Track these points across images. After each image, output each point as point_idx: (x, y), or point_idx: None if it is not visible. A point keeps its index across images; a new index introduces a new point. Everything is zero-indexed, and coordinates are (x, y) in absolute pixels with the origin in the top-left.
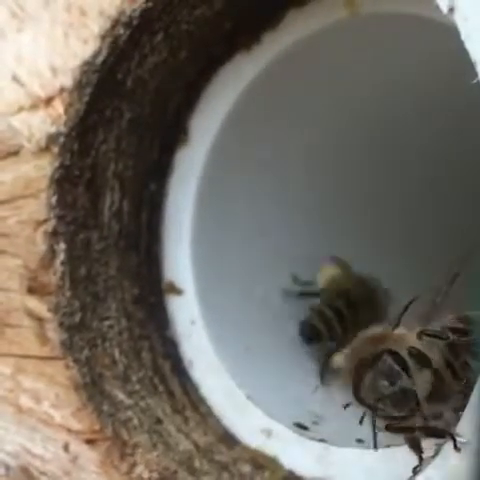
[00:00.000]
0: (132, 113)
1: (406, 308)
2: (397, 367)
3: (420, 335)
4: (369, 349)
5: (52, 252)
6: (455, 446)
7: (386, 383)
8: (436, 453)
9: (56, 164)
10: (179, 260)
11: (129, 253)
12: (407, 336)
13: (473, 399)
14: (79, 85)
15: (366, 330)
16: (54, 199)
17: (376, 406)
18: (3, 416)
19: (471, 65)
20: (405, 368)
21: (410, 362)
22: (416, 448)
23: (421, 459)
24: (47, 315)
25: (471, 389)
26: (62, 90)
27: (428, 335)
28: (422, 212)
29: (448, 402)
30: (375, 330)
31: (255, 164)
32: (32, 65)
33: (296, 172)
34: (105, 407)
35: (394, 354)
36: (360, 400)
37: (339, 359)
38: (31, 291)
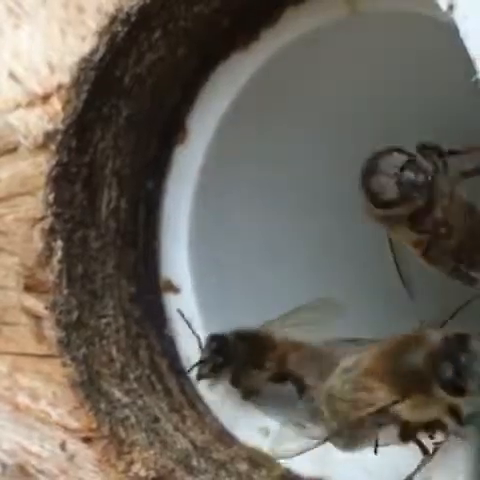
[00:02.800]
0: (130, 110)
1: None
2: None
3: None
4: None
5: (49, 250)
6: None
7: None
8: (434, 451)
9: (53, 161)
10: (177, 258)
11: (126, 251)
12: None
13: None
14: (76, 82)
15: None
16: (51, 197)
17: None
18: (0, 414)
19: (470, 63)
20: None
21: None
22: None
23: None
24: (44, 313)
25: None
26: (59, 87)
27: None
28: None
29: None
30: None
31: (253, 162)
32: (29, 62)
33: (295, 170)
34: (102, 405)
35: None
36: None
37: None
38: (28, 289)
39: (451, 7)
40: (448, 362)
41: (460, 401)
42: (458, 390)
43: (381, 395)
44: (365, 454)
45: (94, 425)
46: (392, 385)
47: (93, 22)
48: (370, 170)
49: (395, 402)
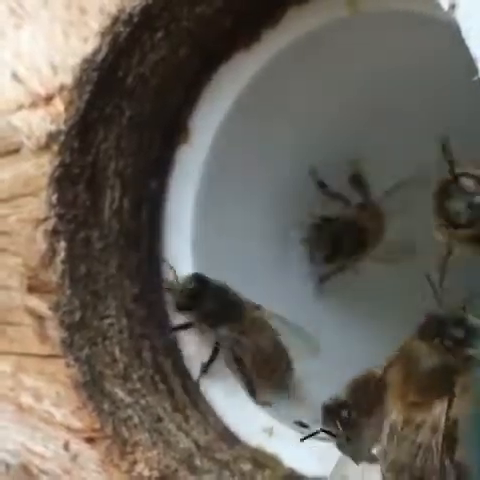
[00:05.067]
0: (132, 111)
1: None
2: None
3: None
4: None
5: (52, 250)
6: None
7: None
8: None
9: (56, 162)
10: (180, 258)
11: (129, 251)
12: None
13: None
14: (79, 83)
15: None
16: (54, 197)
17: None
18: (3, 414)
19: (472, 62)
20: None
21: None
22: None
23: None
24: (47, 313)
25: None
26: (62, 88)
27: None
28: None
29: None
30: None
31: (256, 162)
32: (32, 63)
33: (296, 170)
34: (105, 405)
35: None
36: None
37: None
38: (31, 289)
39: (453, 6)
40: None
41: None
42: None
43: (437, 412)
44: None
45: (97, 425)
46: (430, 396)
47: (95, 23)
48: (446, 193)
49: (450, 404)
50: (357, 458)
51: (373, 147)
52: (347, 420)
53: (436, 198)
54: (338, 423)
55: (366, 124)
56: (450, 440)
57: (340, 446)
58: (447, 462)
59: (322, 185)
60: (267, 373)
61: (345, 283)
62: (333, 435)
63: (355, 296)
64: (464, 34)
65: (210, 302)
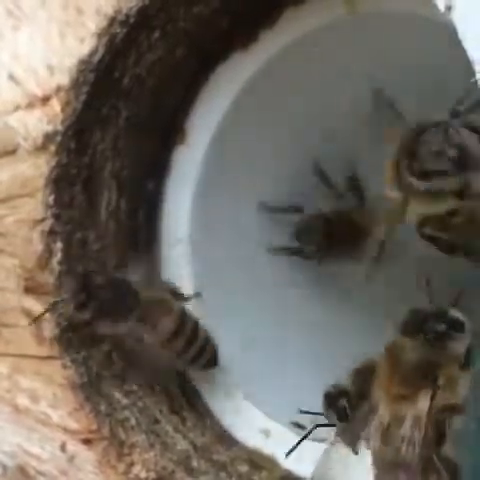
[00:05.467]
0: (129, 112)
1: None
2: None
3: None
4: None
5: (49, 251)
6: None
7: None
8: None
9: (53, 163)
10: (177, 259)
11: (126, 252)
12: None
13: None
14: (76, 84)
15: None
16: (51, 198)
17: None
18: (0, 416)
19: (469, 64)
20: None
21: None
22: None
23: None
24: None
25: None
26: (59, 89)
27: None
28: None
29: None
30: None
31: (253, 163)
32: (28, 64)
33: (295, 171)
34: (102, 407)
35: None
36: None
37: None
38: (28, 290)
39: (449, 8)
40: None
41: None
42: None
43: (420, 405)
44: (366, 456)
45: (94, 427)
46: (414, 389)
47: (92, 24)
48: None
49: (433, 397)
50: (355, 446)
51: (370, 148)
52: (344, 409)
53: (410, 135)
54: (335, 411)
55: (363, 124)
56: (436, 434)
57: (338, 434)
58: (433, 456)
59: (322, 176)
60: (182, 348)
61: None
62: (332, 425)
63: (352, 298)
64: (460, 36)
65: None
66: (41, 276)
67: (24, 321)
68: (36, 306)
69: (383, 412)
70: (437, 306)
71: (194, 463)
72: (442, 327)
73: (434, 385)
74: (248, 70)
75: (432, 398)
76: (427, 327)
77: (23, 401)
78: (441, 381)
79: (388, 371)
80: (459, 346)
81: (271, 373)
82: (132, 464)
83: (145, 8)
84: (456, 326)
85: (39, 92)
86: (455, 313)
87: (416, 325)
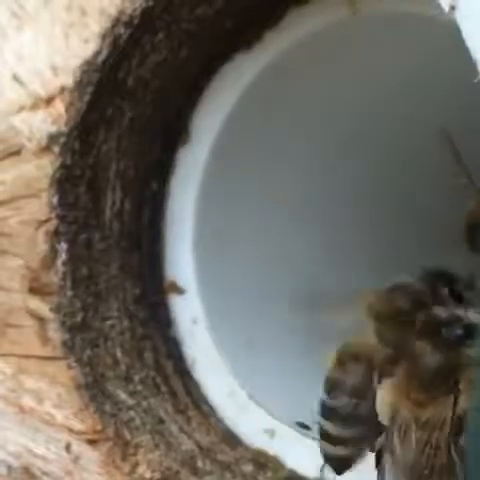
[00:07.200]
0: (133, 112)
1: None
2: None
3: None
4: None
5: (53, 252)
6: None
7: None
8: None
9: (57, 164)
10: (181, 259)
11: (131, 253)
12: None
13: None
14: (80, 84)
15: None
16: (55, 199)
17: None
18: (5, 416)
19: (472, 64)
20: None
21: None
22: None
23: None
24: (49, 315)
25: None
26: (63, 89)
27: None
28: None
29: None
30: None
31: (257, 163)
32: (32, 64)
33: (297, 172)
34: (107, 407)
35: None
36: None
37: None
38: (32, 291)
39: (453, 8)
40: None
41: None
42: None
43: (443, 410)
44: (371, 456)
45: (99, 427)
46: (435, 394)
47: (96, 25)
48: None
49: (456, 401)
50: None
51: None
52: None
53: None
54: None
55: (366, 123)
56: (457, 435)
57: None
58: (454, 455)
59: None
60: None
61: None
62: None
63: None
64: (464, 36)
65: None
66: (46, 277)
67: (29, 321)
68: (41, 306)
69: (403, 417)
70: (454, 309)
71: (199, 463)
72: (460, 331)
73: (456, 390)
74: (252, 71)
75: (455, 403)
76: (445, 331)
77: (28, 401)
78: (462, 385)
79: (406, 376)
80: (476, 349)
81: (276, 373)
82: (137, 464)
83: (149, 9)
84: (473, 329)
85: (43, 93)
86: (473, 316)
87: (433, 328)
